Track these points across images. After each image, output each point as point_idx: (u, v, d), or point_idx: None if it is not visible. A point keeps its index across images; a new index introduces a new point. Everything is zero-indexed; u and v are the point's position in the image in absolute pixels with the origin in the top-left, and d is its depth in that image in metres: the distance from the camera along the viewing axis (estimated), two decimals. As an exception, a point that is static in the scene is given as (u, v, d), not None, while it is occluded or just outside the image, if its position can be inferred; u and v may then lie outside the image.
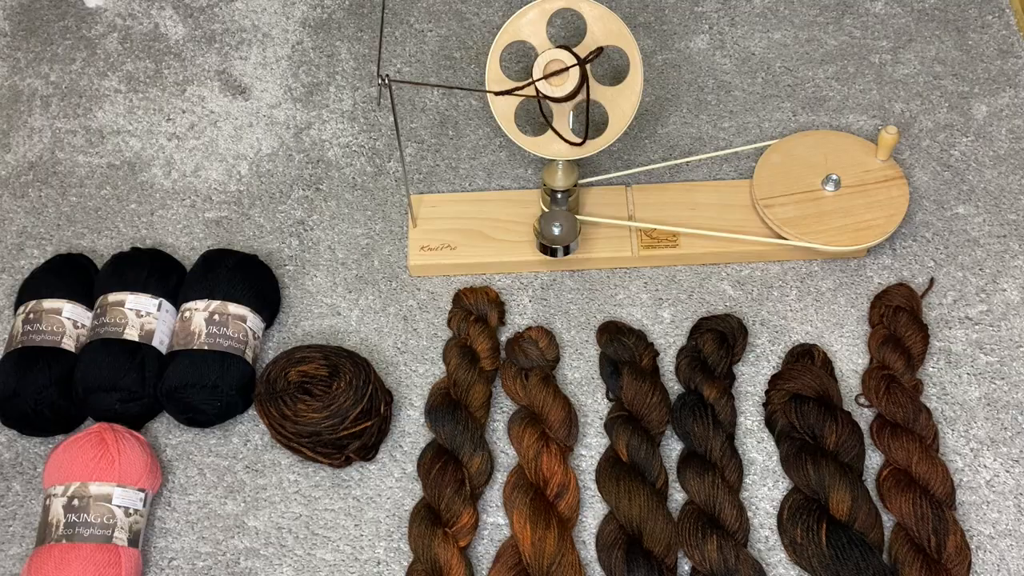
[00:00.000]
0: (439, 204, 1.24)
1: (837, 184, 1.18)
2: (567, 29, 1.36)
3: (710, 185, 1.24)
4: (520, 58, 1.34)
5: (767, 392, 1.10)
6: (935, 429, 1.06)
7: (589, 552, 1.03)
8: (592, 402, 1.12)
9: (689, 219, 1.20)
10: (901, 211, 1.16)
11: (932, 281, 1.17)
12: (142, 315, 1.12)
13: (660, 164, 1.25)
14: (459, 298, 1.16)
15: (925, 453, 1.03)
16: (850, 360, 1.14)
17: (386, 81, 1.02)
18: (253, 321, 1.13)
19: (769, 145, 1.23)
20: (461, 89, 1.26)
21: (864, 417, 1.10)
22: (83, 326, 1.14)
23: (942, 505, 1.01)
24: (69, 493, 1.01)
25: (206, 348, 1.09)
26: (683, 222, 1.19)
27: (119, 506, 1.01)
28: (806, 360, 1.11)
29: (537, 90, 1.05)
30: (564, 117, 1.10)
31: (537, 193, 1.23)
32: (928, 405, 1.09)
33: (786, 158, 1.21)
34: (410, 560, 1.02)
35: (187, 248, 1.24)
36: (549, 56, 1.05)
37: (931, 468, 1.03)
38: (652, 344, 1.13)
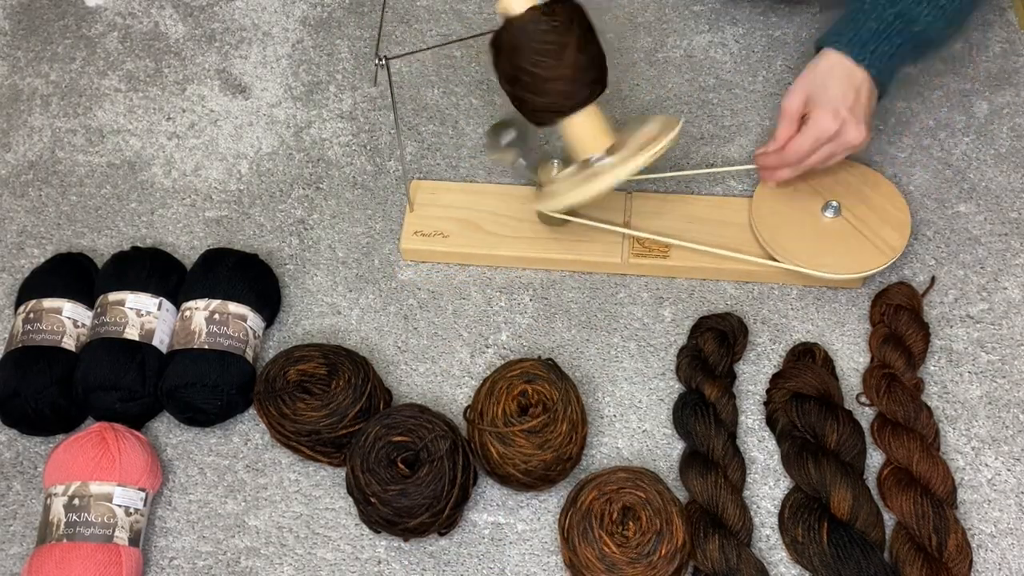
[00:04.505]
0: (438, 191, 1.24)
1: (837, 211, 1.16)
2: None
3: (710, 200, 1.23)
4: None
5: (768, 391, 1.10)
6: (936, 428, 1.06)
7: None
8: (593, 401, 1.12)
9: (684, 232, 1.18)
10: (899, 247, 1.13)
11: (933, 280, 1.17)
12: (142, 314, 1.12)
13: (665, 174, 1.24)
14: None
15: (926, 452, 1.03)
16: (851, 359, 1.13)
17: (383, 61, 1.01)
18: (253, 320, 1.13)
19: None
20: (460, 40, 1.19)
21: (865, 416, 1.10)
22: (83, 325, 1.14)
23: (943, 504, 1.01)
24: (70, 492, 1.00)
25: (206, 347, 1.09)
26: (677, 234, 1.18)
27: (120, 505, 1.01)
28: (807, 359, 1.11)
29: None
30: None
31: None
32: (929, 404, 1.09)
33: (785, 182, 1.18)
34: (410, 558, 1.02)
35: (187, 247, 1.24)
36: None
37: (932, 467, 1.03)
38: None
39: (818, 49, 1.11)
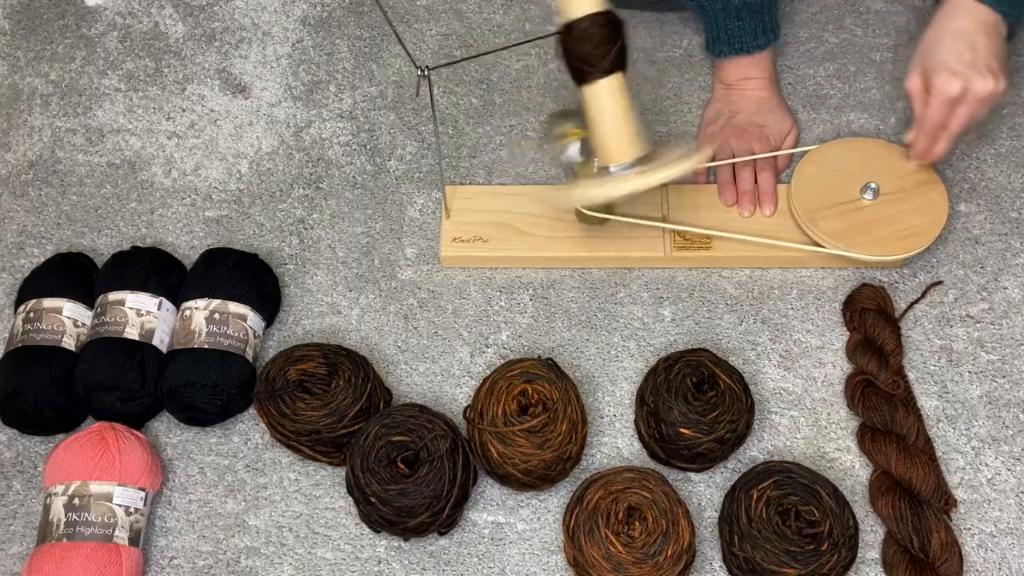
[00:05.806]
0: (473, 196, 1.24)
1: (876, 192, 1.16)
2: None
3: None
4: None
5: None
6: (917, 424, 1.06)
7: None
8: (593, 400, 1.12)
9: (724, 222, 1.19)
10: (942, 216, 1.14)
11: (929, 288, 1.17)
12: (142, 314, 1.12)
13: (708, 164, 1.24)
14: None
15: (903, 453, 1.03)
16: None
17: (425, 72, 1.02)
18: (253, 320, 1.13)
19: (808, 151, 1.21)
20: (503, 49, 1.17)
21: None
22: (83, 325, 1.14)
23: (923, 504, 1.01)
24: (70, 492, 1.00)
25: (206, 347, 1.09)
26: (718, 225, 1.18)
27: (120, 505, 1.01)
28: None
29: None
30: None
31: None
32: (929, 403, 1.09)
33: (822, 166, 1.19)
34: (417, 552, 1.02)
35: (187, 247, 1.24)
36: None
37: (910, 467, 1.03)
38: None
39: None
